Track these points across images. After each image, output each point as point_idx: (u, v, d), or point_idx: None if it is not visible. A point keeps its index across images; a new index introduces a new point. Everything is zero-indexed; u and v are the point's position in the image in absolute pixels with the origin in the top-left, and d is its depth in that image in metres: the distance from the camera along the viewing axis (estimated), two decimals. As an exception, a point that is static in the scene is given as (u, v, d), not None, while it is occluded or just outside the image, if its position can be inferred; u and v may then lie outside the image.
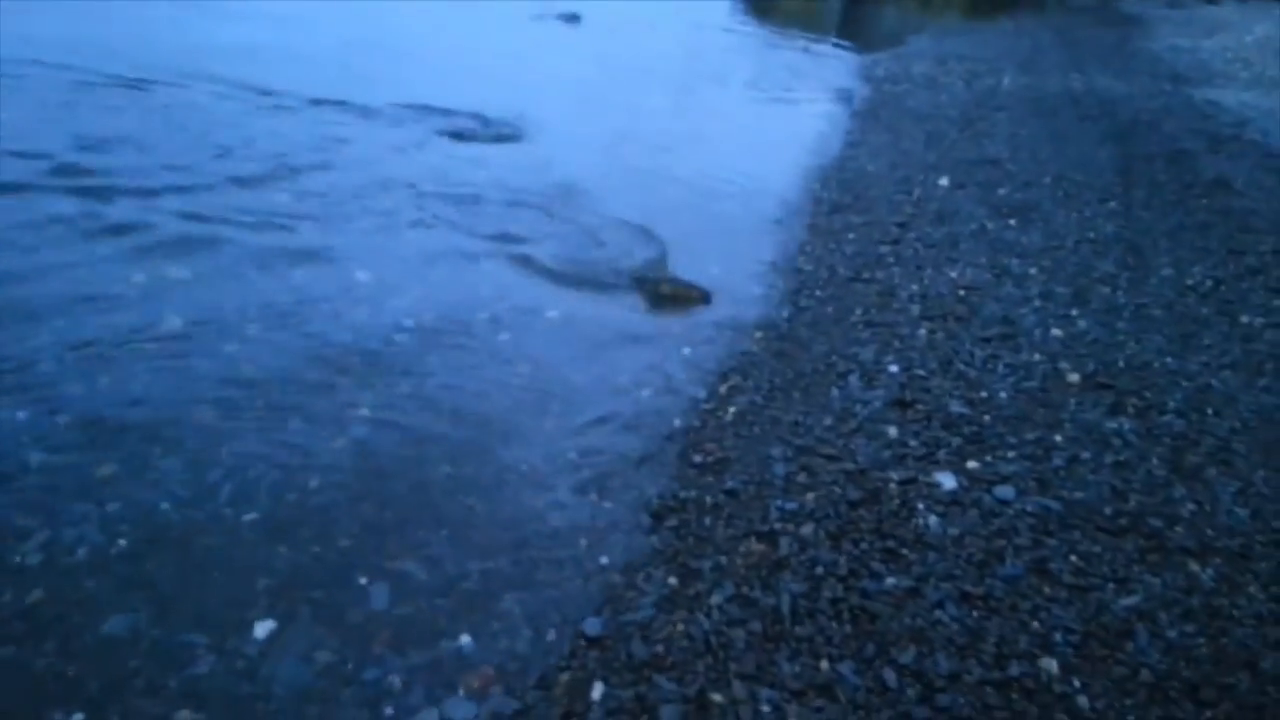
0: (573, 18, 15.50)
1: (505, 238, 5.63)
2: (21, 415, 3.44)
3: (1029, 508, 3.27)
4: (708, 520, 3.21)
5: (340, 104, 7.98)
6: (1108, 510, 3.28)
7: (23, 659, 2.52)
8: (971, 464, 3.53)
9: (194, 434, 3.47)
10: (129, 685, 2.48)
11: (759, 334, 4.81)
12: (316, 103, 7.93)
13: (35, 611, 2.67)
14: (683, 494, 3.38)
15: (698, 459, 3.61)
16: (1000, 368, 4.34)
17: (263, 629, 2.69)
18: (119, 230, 4.96)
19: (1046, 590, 2.87)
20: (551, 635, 2.74)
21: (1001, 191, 7.22)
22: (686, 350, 4.64)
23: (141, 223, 5.06)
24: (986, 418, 3.88)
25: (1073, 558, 3.02)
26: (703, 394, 4.18)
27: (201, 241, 5.00)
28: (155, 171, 5.82)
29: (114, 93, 7.51)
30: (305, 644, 2.65)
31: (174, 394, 3.71)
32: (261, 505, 3.15)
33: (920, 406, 3.96)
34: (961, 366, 4.34)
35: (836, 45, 16.78)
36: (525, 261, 5.35)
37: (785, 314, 5.03)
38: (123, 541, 2.93)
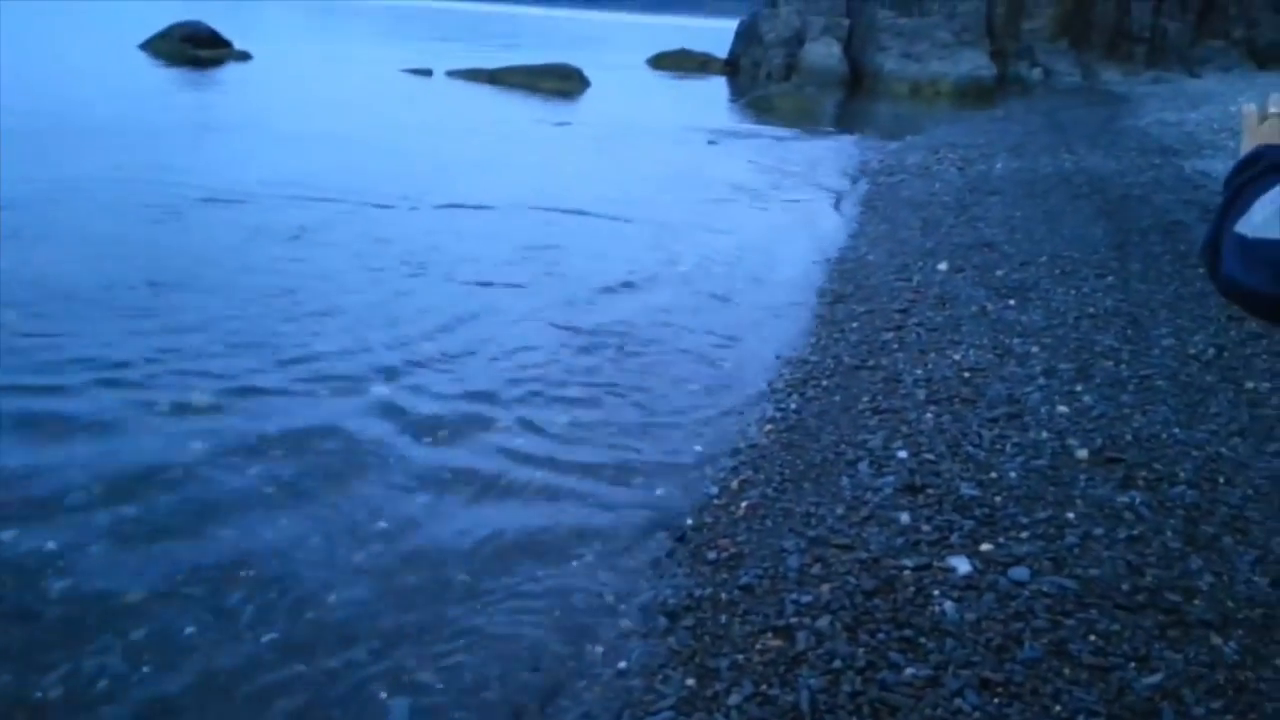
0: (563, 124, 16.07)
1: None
2: (51, 545, 3.51)
3: (1045, 588, 3.25)
4: (724, 618, 3.21)
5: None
6: (1124, 586, 3.26)
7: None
8: (985, 546, 3.53)
9: (216, 554, 3.53)
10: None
11: (768, 426, 4.85)
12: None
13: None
14: (698, 592, 3.38)
15: (711, 555, 3.62)
16: (1008, 447, 4.36)
17: (283, 752, 2.69)
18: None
19: (1067, 672, 2.84)
20: (572, 744, 2.73)
21: (999, 273, 7.33)
22: (698, 447, 4.69)
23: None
24: (997, 499, 3.89)
25: (1092, 637, 3.00)
26: (714, 490, 4.21)
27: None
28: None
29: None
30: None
31: (195, 518, 3.79)
32: (280, 625, 3.18)
33: (931, 491, 3.97)
34: (970, 448, 4.36)
35: (831, 140, 17.19)
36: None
37: (793, 405, 5.08)
38: (145, 669, 2.96)
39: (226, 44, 27.40)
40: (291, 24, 45.30)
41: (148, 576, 3.39)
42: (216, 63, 25.18)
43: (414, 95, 21.78)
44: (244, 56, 26.77)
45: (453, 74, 25.82)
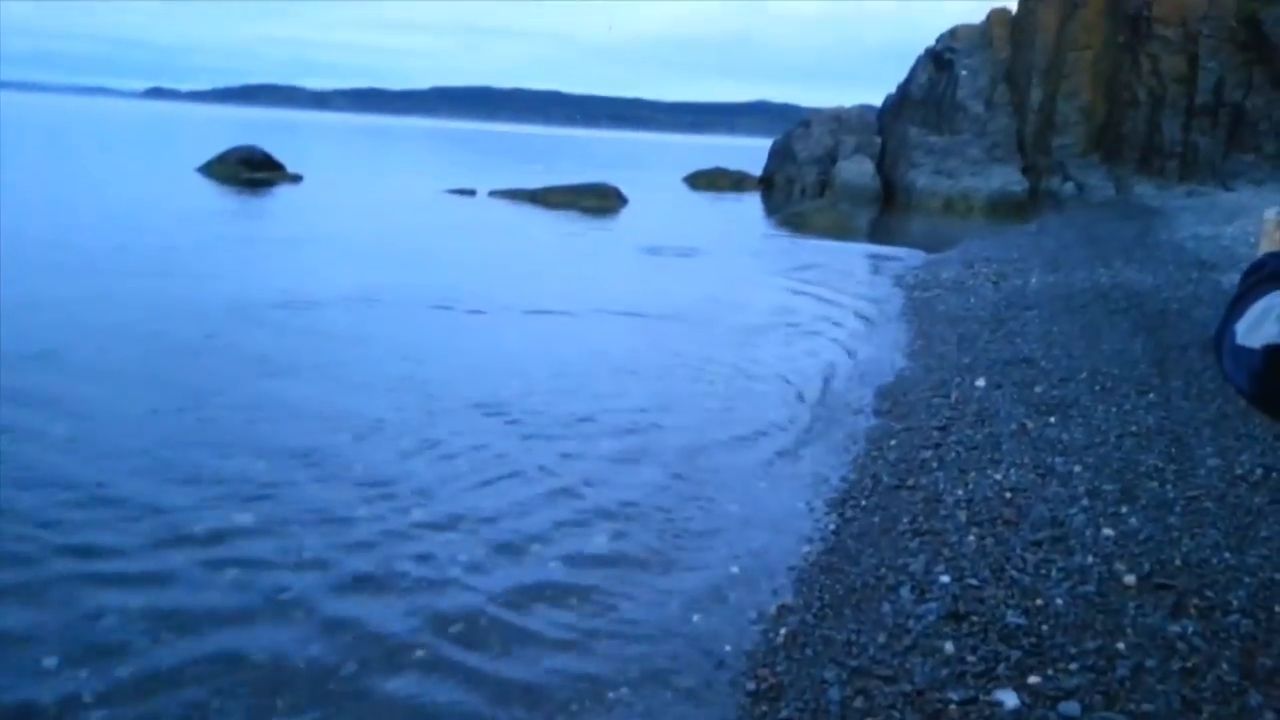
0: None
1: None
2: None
3: (1097, 724, 3.15)
4: (764, 753, 3.13)
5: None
6: (1180, 723, 3.15)
7: None
8: (1033, 679, 3.43)
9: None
10: None
11: (806, 548, 4.79)
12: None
13: None
14: (737, 726, 3.31)
15: (750, 686, 3.55)
16: (1054, 572, 4.27)
17: None
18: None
19: (1124, 816, 2.73)
20: None
21: (1038, 389, 7.28)
22: (734, 569, 4.63)
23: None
24: (1044, 627, 3.79)
25: (1148, 778, 2.89)
26: (753, 615, 4.14)
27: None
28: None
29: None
30: None
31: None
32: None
33: (975, 618, 3.88)
34: (1014, 573, 4.28)
35: (864, 255, 17.40)
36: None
37: (831, 526, 5.03)
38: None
39: (279, 166, 28.64)
40: (341, 147, 47.21)
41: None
42: (269, 184, 26.28)
43: (457, 214, 22.42)
44: (295, 179, 27.93)
45: (495, 194, 26.61)
